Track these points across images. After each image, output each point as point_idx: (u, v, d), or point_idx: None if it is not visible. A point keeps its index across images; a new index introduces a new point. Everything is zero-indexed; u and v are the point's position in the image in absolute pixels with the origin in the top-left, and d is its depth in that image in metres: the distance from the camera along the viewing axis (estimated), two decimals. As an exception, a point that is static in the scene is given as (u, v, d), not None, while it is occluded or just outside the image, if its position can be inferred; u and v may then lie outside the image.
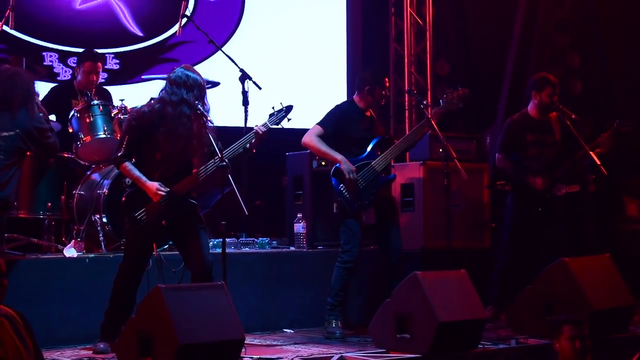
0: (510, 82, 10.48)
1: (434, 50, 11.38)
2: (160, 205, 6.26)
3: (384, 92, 7.60)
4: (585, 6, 10.68)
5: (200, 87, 6.38)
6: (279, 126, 6.78)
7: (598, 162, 7.79)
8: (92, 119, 7.79)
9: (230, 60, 7.96)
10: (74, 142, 7.85)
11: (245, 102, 8.20)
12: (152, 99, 6.59)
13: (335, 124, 7.48)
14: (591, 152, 7.84)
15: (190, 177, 6.35)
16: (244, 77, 7.94)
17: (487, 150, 10.23)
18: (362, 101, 7.59)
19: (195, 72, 6.45)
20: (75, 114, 7.85)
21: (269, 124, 6.69)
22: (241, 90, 8.13)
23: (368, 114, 7.62)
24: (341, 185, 7.35)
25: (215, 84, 8.88)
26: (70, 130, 7.86)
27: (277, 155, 9.13)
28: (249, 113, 8.17)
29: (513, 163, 8.16)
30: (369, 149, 7.46)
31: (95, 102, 7.88)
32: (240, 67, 7.81)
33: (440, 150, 8.17)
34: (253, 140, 6.56)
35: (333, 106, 7.68)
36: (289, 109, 6.78)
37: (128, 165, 6.32)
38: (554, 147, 8.16)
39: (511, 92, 10.42)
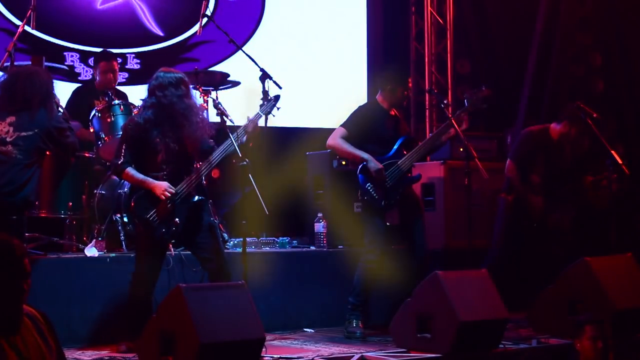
0: (532, 81, 10.42)
1: (454, 49, 11.35)
2: (171, 204, 6.25)
3: (406, 93, 7.56)
4: (607, 4, 10.61)
5: (184, 84, 6.40)
6: (271, 114, 6.82)
7: (620, 161, 7.75)
8: (113, 119, 7.81)
9: (250, 60, 7.96)
10: (95, 142, 7.88)
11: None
12: (142, 103, 6.60)
13: (360, 124, 7.41)
14: (613, 152, 7.79)
15: (193, 174, 6.36)
16: (265, 76, 7.93)
17: (508, 149, 10.20)
18: (385, 101, 7.53)
19: (174, 71, 6.46)
20: (97, 114, 7.87)
21: (260, 113, 6.71)
22: (262, 89, 8.13)
23: (392, 113, 7.56)
24: (368, 183, 7.29)
25: (235, 84, 8.88)
26: (92, 130, 7.89)
27: (297, 154, 9.11)
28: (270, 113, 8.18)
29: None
30: (394, 148, 7.40)
31: (116, 102, 7.90)
32: (261, 67, 7.80)
33: (461, 149, 8.12)
34: (246, 133, 6.54)
35: (354, 106, 7.64)
36: (277, 98, 6.82)
37: (130, 170, 6.32)
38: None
39: (532, 91, 10.37)
